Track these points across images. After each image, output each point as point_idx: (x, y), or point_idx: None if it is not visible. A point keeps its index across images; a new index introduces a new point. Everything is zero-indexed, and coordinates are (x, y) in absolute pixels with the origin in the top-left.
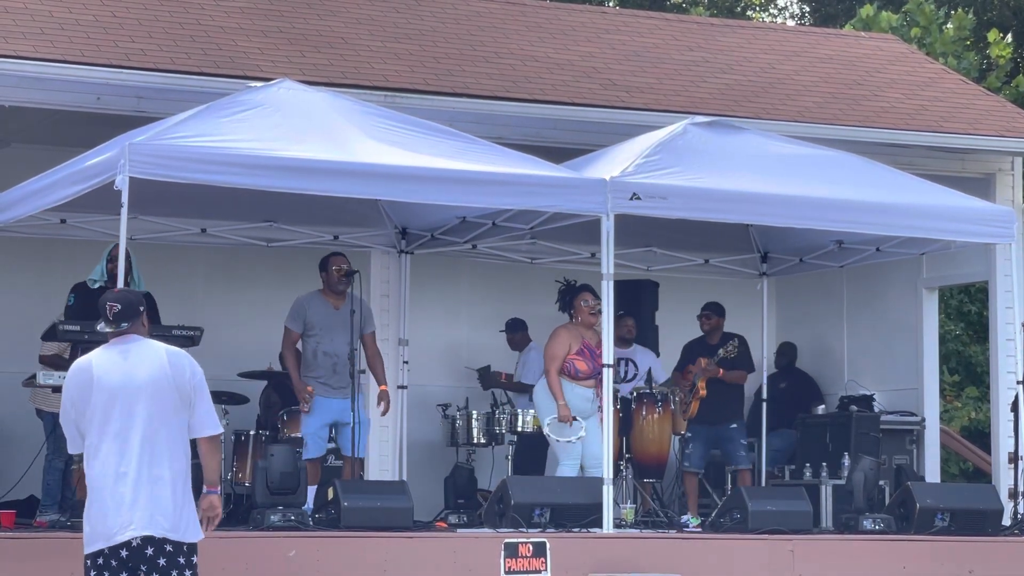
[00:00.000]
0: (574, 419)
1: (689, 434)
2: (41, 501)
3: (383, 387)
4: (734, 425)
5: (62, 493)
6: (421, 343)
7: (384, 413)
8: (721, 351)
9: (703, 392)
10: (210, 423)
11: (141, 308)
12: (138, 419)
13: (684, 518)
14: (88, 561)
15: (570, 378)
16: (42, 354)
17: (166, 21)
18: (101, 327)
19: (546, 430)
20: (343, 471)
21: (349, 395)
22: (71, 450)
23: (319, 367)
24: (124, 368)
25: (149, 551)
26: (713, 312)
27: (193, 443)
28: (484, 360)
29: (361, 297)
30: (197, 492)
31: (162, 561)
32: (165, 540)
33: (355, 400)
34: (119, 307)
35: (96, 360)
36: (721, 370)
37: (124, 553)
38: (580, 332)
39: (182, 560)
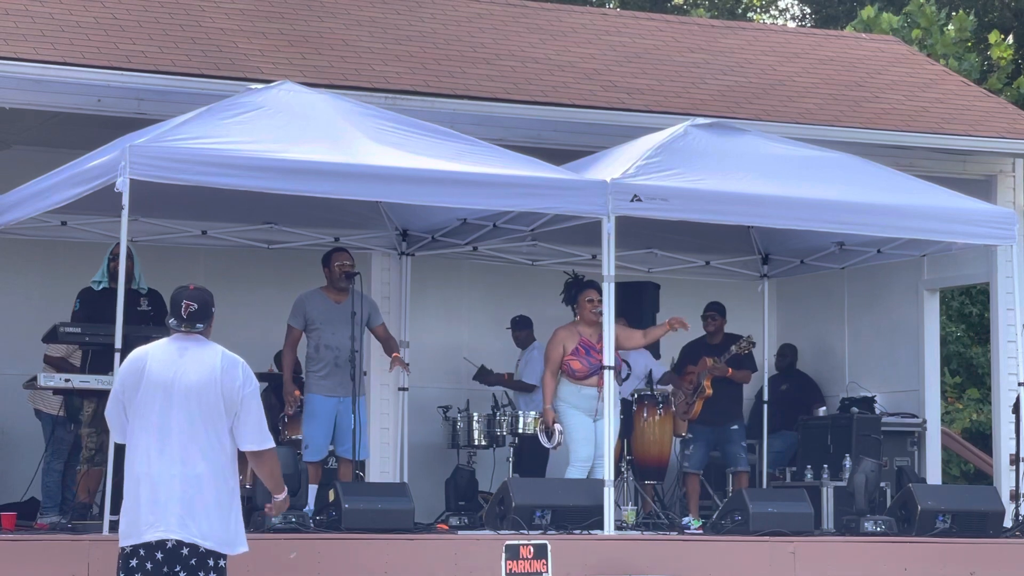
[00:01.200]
0: (555, 422)
1: (690, 435)
2: (42, 503)
3: (396, 354)
4: (735, 426)
5: (62, 495)
6: (422, 345)
7: (407, 369)
8: (735, 348)
9: (709, 392)
10: (253, 437)
11: (214, 310)
12: (178, 419)
13: (686, 520)
14: (121, 557)
15: (572, 379)
16: (48, 355)
17: (167, 23)
18: (172, 323)
19: (538, 431)
20: (340, 473)
21: (349, 394)
22: (116, 439)
23: (321, 360)
24: (177, 365)
25: (184, 551)
26: (718, 313)
27: None
28: (484, 362)
29: (362, 293)
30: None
31: (194, 561)
32: (196, 545)
33: (356, 402)
34: (195, 307)
35: (153, 351)
36: (731, 369)
37: (160, 555)
38: (579, 330)
39: (211, 563)
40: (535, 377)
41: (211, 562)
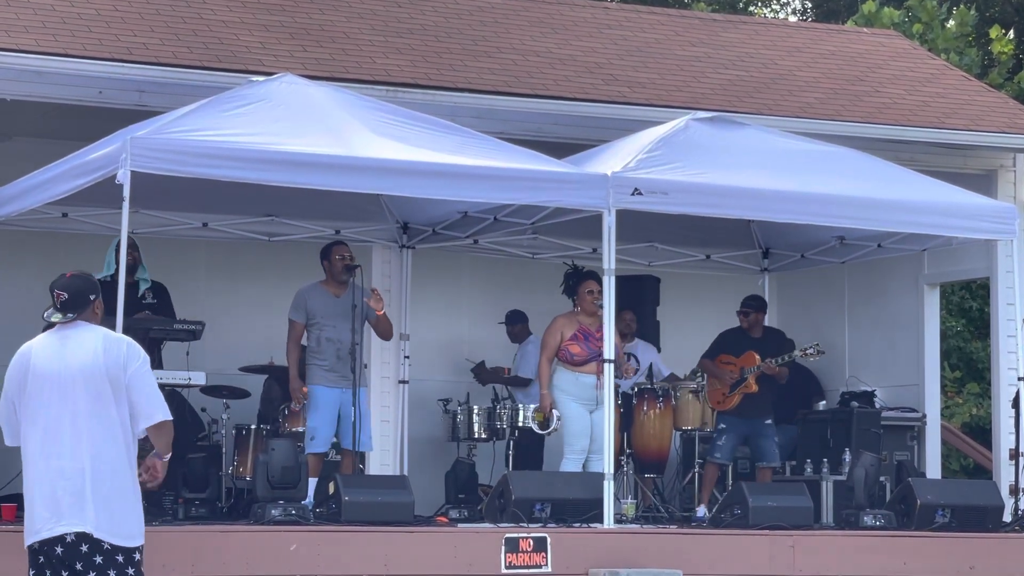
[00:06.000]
0: (552, 408)
1: (723, 425)
2: None
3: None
4: (768, 420)
5: None
6: (422, 338)
7: (380, 310)
8: (799, 354)
9: (755, 388)
10: (148, 411)
11: (92, 296)
12: (68, 409)
13: (701, 512)
14: (29, 555)
15: (570, 365)
16: None
17: (168, 15)
18: (48, 315)
19: (530, 419)
20: (342, 465)
21: (351, 386)
22: (8, 442)
23: (323, 353)
24: (60, 355)
25: (84, 548)
26: (752, 308)
27: None
28: (484, 355)
29: (361, 286)
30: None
31: (99, 559)
32: (97, 539)
33: (356, 394)
34: (66, 296)
35: (36, 346)
36: (779, 370)
37: (60, 550)
38: (578, 319)
39: (120, 559)
40: (531, 371)
41: (120, 557)
